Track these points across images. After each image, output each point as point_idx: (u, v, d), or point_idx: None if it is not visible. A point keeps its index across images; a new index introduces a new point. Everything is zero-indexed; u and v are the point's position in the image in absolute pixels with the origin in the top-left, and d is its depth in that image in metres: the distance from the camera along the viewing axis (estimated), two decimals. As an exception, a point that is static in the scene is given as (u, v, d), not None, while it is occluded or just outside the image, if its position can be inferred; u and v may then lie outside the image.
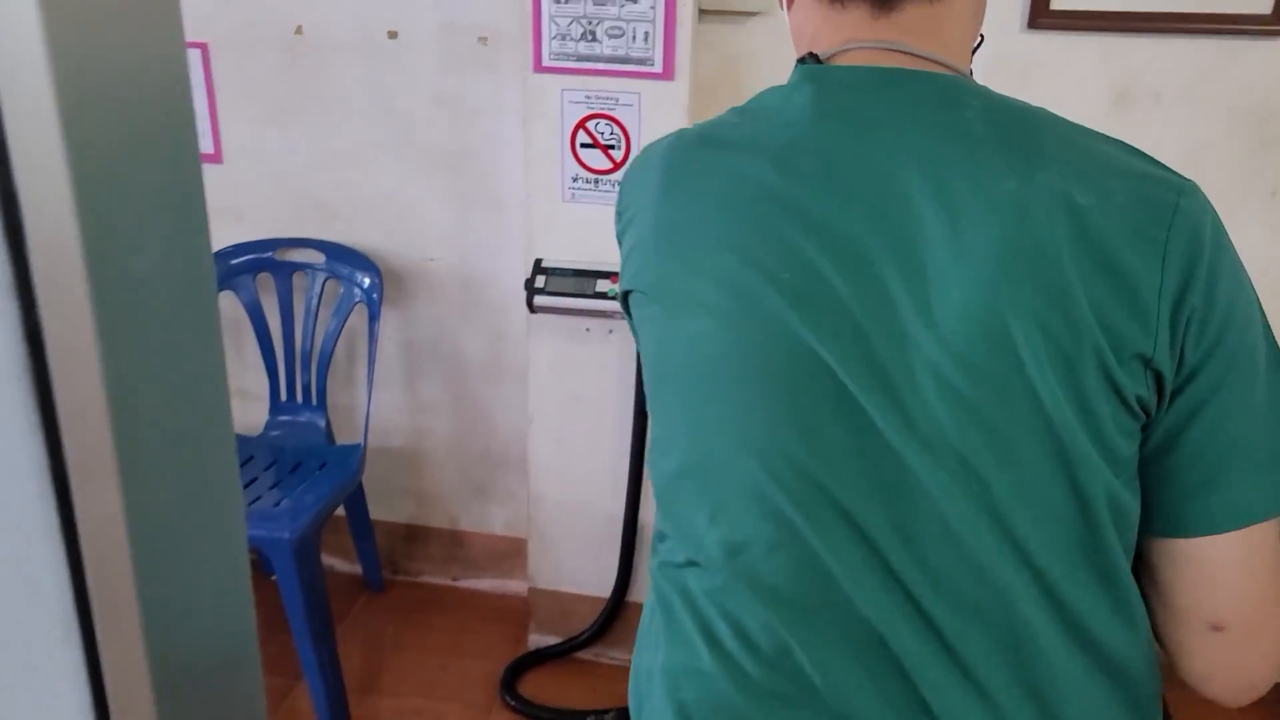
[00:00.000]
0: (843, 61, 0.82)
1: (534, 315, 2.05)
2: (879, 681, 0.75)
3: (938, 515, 0.72)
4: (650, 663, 0.87)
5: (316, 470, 2.21)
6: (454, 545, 2.57)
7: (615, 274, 1.95)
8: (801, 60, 0.85)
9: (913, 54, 0.79)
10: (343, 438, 2.40)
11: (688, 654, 0.82)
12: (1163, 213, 0.72)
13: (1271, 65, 1.86)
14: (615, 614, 2.28)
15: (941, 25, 0.80)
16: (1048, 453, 0.71)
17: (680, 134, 0.91)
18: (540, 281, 1.97)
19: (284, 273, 2.30)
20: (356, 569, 2.58)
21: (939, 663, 0.73)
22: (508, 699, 2.20)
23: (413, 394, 2.44)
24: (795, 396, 0.75)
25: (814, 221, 0.75)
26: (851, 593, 0.74)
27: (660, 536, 0.90)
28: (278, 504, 2.08)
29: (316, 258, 2.29)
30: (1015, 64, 1.92)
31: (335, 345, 2.30)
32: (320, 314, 2.31)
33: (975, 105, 0.76)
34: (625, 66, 1.85)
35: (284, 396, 2.36)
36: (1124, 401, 0.72)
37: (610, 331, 2.05)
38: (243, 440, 2.34)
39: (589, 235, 1.98)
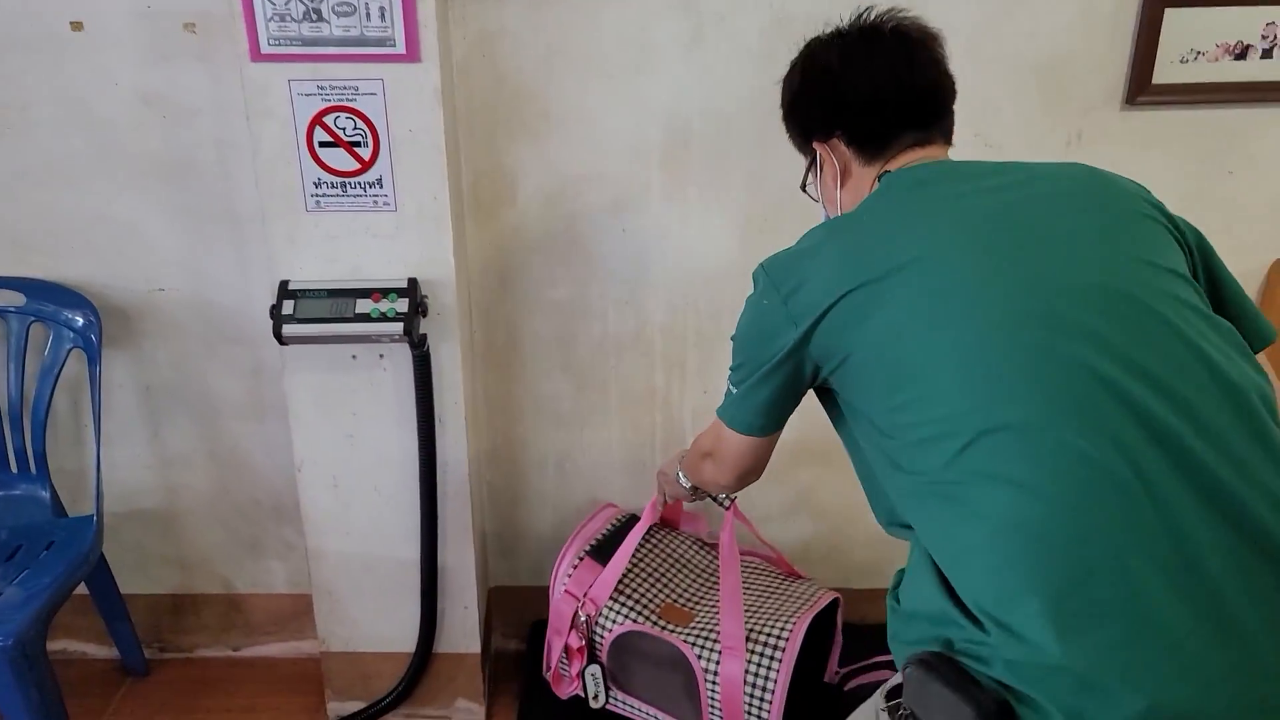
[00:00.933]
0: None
1: (286, 347, 1.76)
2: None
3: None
4: None
5: (42, 551, 1.85)
6: (230, 611, 2.23)
7: (378, 291, 1.70)
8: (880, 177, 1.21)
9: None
10: (76, 509, 2.03)
11: None
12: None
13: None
14: (422, 668, 2.02)
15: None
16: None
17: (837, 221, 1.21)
18: (288, 307, 1.68)
19: (-27, 320, 1.91)
20: (113, 653, 2.20)
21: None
22: (305, 786, 1.92)
23: (159, 446, 2.09)
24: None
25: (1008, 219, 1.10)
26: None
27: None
28: (-11, 603, 1.71)
29: (15, 299, 1.91)
30: None
31: (51, 399, 1.93)
32: (28, 365, 1.93)
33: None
34: (361, 50, 1.58)
35: (-6, 467, 1.98)
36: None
37: (381, 356, 1.79)
38: (-57, 526, 1.94)
39: (340, 249, 1.70)
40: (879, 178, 1.20)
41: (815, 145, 1.28)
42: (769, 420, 1.27)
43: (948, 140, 1.26)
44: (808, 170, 1.34)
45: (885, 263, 1.06)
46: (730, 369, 1.26)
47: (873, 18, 1.25)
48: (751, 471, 1.39)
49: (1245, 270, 1.93)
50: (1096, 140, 1.84)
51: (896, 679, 1.11)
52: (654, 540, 2.05)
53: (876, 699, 1.14)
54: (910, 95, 1.21)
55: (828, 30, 1.27)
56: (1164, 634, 0.92)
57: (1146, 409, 0.97)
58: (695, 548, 2.07)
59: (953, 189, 1.13)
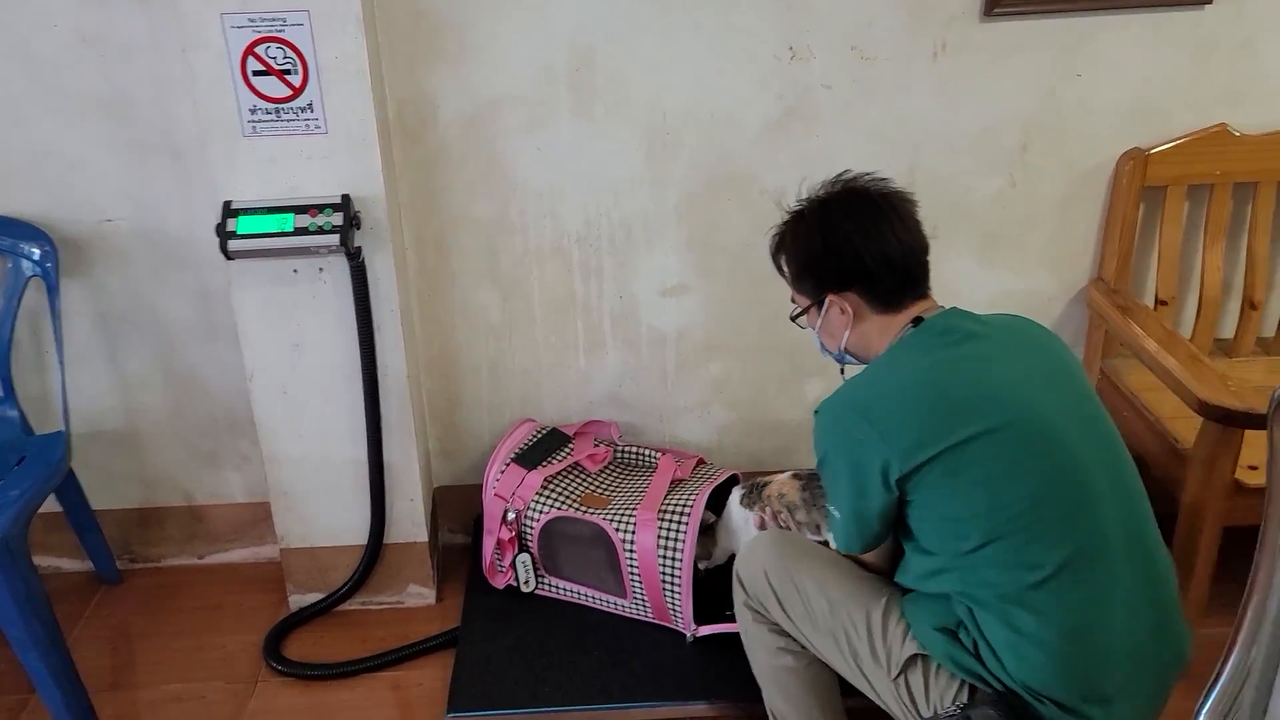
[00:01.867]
0: (929, 317, 1.51)
1: (234, 263, 1.92)
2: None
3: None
4: None
5: (14, 466, 2.00)
6: (193, 522, 2.41)
7: (314, 207, 1.86)
8: (916, 321, 1.50)
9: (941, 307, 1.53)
10: (43, 429, 2.18)
11: None
12: None
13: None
14: (375, 558, 2.22)
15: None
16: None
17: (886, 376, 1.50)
18: (232, 225, 1.84)
19: (-65, 254, 2.04)
20: (87, 565, 2.37)
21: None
22: (273, 664, 2.11)
23: (117, 370, 2.24)
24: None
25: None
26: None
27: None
28: (-30, 509, 1.87)
29: (-28, 233, 2.04)
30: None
31: (13, 327, 2.07)
32: (-11, 295, 2.07)
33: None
34: (286, -16, 1.73)
35: (-38, 392, 2.12)
36: None
37: (320, 270, 1.96)
38: (-81, 447, 2.08)
39: (277, 171, 1.86)
40: (913, 323, 1.49)
41: (829, 296, 1.52)
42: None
43: None
44: (807, 310, 1.58)
45: (971, 426, 1.35)
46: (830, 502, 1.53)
47: (862, 184, 1.54)
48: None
49: (1096, 164, 2.15)
50: (960, 50, 2.04)
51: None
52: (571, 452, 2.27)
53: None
54: (915, 256, 1.51)
55: (818, 193, 1.55)
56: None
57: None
58: (607, 452, 2.27)
59: (987, 349, 1.46)
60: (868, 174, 1.55)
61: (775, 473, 1.94)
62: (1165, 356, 1.94)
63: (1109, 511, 1.39)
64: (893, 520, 1.46)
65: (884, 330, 1.52)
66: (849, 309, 1.52)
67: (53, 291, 2.03)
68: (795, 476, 2.04)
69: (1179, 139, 2.12)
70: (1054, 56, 2.06)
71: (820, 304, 1.54)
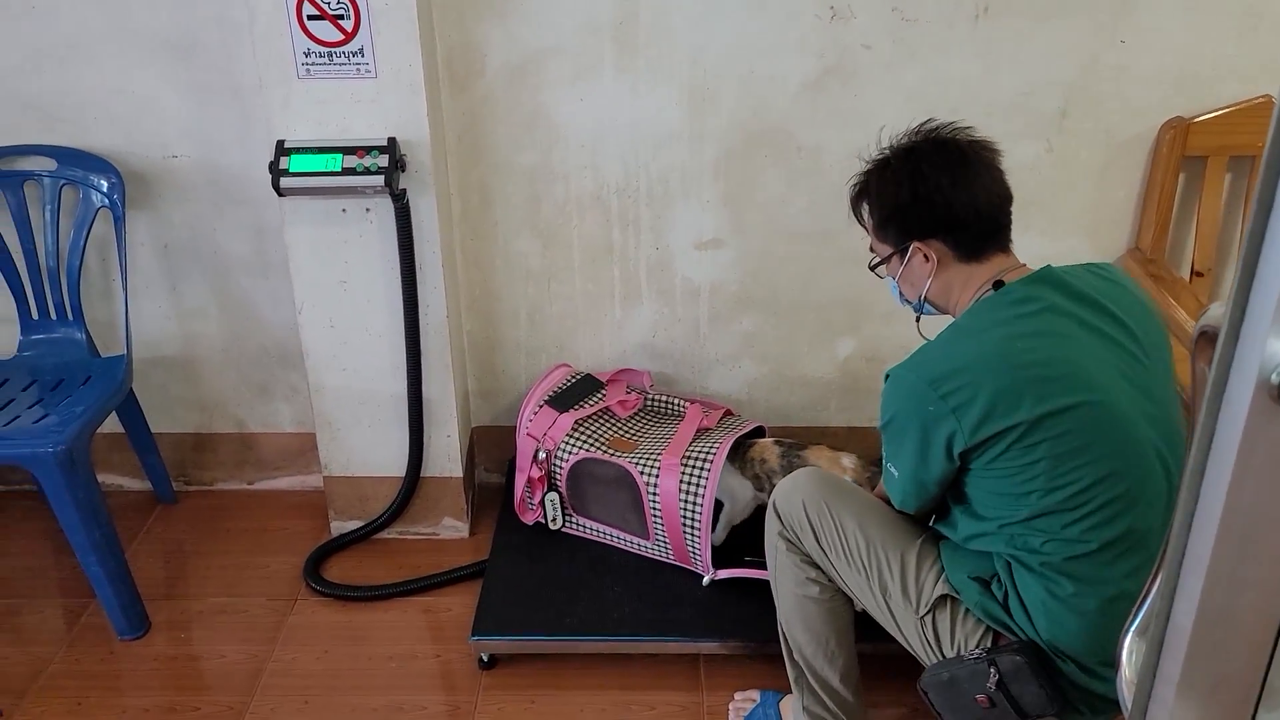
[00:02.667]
0: (1011, 279, 1.49)
1: (287, 201, 2.02)
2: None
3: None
4: None
5: (81, 384, 2.14)
6: (244, 449, 2.54)
7: (362, 148, 1.95)
8: (996, 284, 1.49)
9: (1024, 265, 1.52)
10: (107, 352, 2.31)
11: None
12: None
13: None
14: (412, 490, 2.32)
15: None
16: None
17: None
18: (285, 163, 1.94)
19: (13, 183, 2.17)
20: (146, 485, 2.52)
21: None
22: (312, 584, 2.23)
23: (177, 299, 2.36)
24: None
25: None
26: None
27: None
28: (39, 420, 2.01)
29: (47, 164, 2.17)
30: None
31: (84, 255, 2.20)
32: (61, 224, 2.20)
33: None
34: (341, -68, 1.80)
35: (35, 314, 2.26)
36: None
37: (368, 210, 2.05)
38: (-6, 364, 2.23)
39: (329, 113, 1.95)
40: (994, 285, 1.48)
41: (913, 244, 1.52)
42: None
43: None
44: (888, 258, 1.58)
45: (1041, 407, 1.36)
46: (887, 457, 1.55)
47: (948, 134, 1.53)
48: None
49: (1136, 132, 2.15)
50: (1002, 13, 2.05)
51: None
52: (603, 398, 2.34)
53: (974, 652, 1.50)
54: (1003, 206, 1.51)
55: (903, 141, 1.54)
56: None
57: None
58: (637, 400, 2.35)
59: (1065, 324, 1.44)
60: (951, 123, 1.54)
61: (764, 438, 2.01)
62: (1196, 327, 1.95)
63: (1162, 498, 1.40)
64: (948, 485, 1.50)
65: (967, 281, 1.52)
66: (933, 257, 1.51)
67: (119, 222, 2.15)
68: (777, 443, 2.12)
69: (1222, 109, 2.10)
70: (1098, 22, 2.06)
71: (903, 252, 1.54)
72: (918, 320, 1.62)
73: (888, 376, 1.50)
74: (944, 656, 1.54)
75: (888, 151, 1.56)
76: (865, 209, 1.60)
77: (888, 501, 1.63)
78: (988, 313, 1.47)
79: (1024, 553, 1.43)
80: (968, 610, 1.52)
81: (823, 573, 1.67)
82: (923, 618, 1.55)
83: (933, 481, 1.48)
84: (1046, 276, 1.48)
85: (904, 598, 1.56)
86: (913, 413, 1.45)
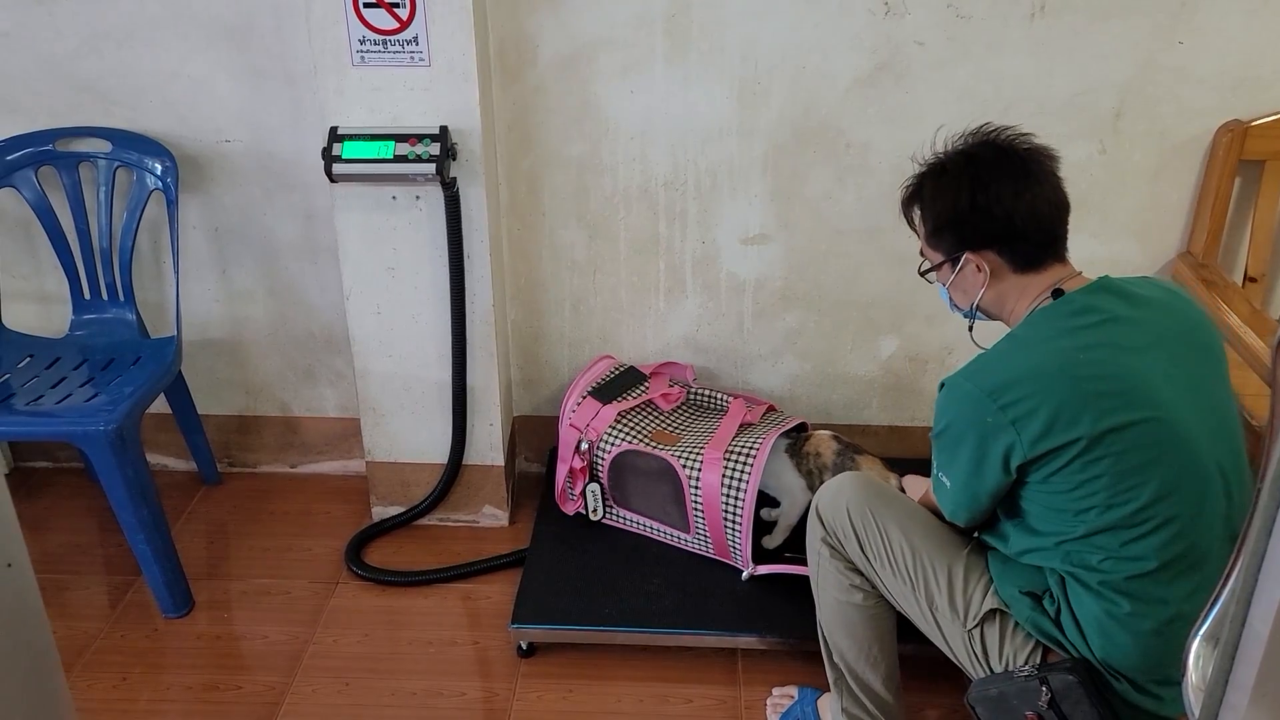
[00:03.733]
0: (1070, 287, 1.45)
1: (338, 187, 2.03)
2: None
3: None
4: None
5: (131, 365, 2.17)
6: (288, 432, 2.56)
7: (414, 137, 1.96)
8: (1056, 293, 1.45)
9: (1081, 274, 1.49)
10: (157, 333, 2.34)
11: None
12: None
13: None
14: (454, 477, 2.34)
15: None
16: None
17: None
18: (338, 149, 1.95)
19: (68, 164, 2.20)
20: (191, 465, 2.55)
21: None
22: (353, 568, 2.25)
23: (226, 282, 2.39)
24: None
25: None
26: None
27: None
28: (90, 399, 2.04)
29: (102, 146, 2.20)
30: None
31: (136, 237, 2.23)
32: (115, 206, 2.23)
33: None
34: (399, -80, 1.81)
35: (88, 295, 2.29)
36: None
37: (417, 198, 2.06)
38: (47, 343, 2.27)
39: (382, 100, 1.97)
40: (1053, 295, 1.44)
41: (966, 254, 1.48)
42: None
43: None
44: (939, 266, 1.54)
45: (1103, 422, 1.32)
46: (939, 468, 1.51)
47: (1007, 139, 1.48)
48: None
49: (1192, 134, 2.12)
50: (1058, 11, 2.03)
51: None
52: (647, 391, 2.34)
53: (1024, 671, 1.47)
54: (1062, 215, 1.47)
55: (959, 146, 1.49)
56: None
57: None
58: (680, 393, 2.35)
59: (1128, 335, 1.40)
60: (1009, 127, 1.49)
61: (823, 428, 1.99)
62: (1248, 333, 1.93)
63: (1222, 516, 1.38)
64: (1001, 498, 1.46)
65: (1023, 292, 1.48)
66: (986, 268, 1.47)
67: (172, 205, 2.18)
68: (835, 439, 2.10)
69: (1281, 112, 2.08)
70: (1156, 22, 2.03)
71: (955, 261, 1.50)
72: (970, 328, 1.58)
73: (942, 385, 1.46)
74: (991, 670, 1.51)
75: (944, 156, 1.51)
76: (917, 214, 1.55)
77: (932, 510, 1.62)
78: (1047, 323, 1.43)
79: (1081, 570, 1.40)
80: (1017, 625, 1.49)
81: (866, 580, 1.65)
82: (970, 631, 1.52)
83: (986, 494, 1.45)
84: (1107, 285, 1.45)
85: (951, 610, 1.54)
86: (970, 423, 1.41)
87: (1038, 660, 1.47)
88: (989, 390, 1.38)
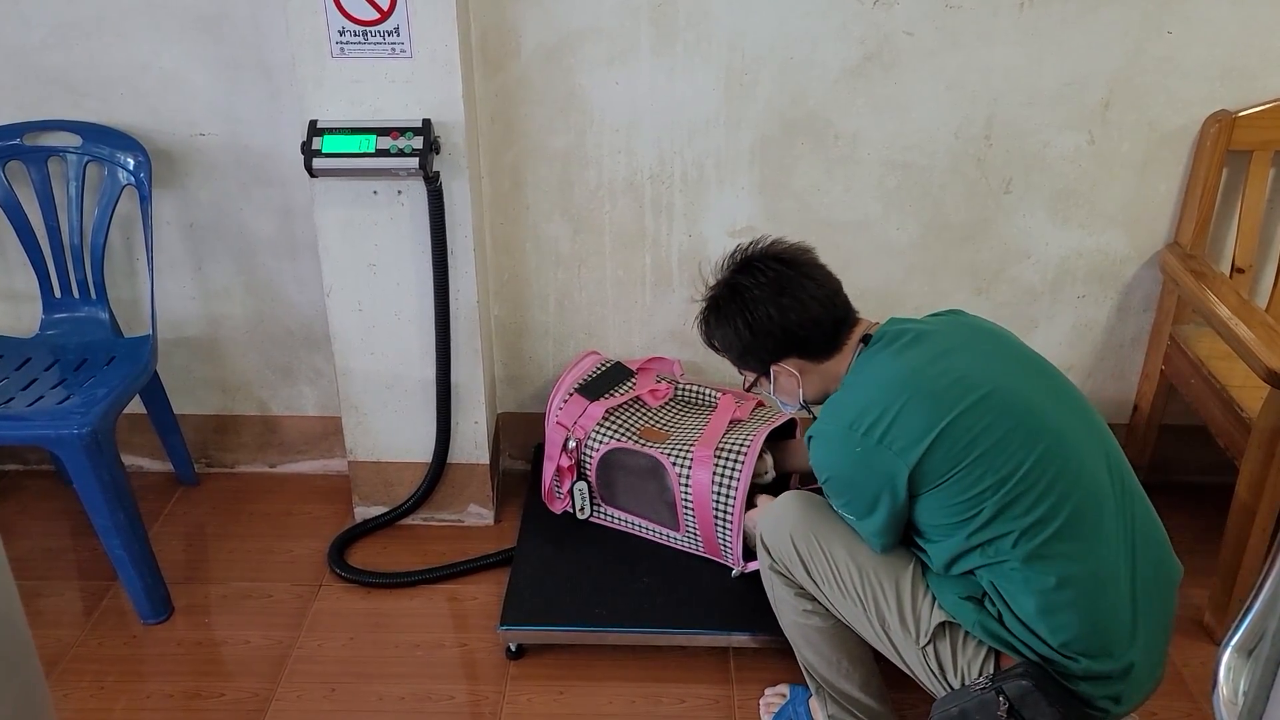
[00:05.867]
0: (873, 331, 1.60)
1: (318, 182, 1.98)
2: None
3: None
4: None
5: (105, 365, 2.11)
6: (267, 431, 2.51)
7: (396, 130, 1.91)
8: (865, 339, 1.59)
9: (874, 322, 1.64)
10: (131, 332, 2.28)
11: None
12: None
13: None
14: (438, 476, 2.30)
15: None
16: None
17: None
18: (317, 143, 1.90)
19: (37, 159, 2.14)
20: (168, 466, 2.50)
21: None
22: (336, 570, 2.21)
23: (202, 279, 2.33)
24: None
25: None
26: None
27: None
28: (63, 401, 1.98)
29: (72, 140, 2.13)
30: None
31: (108, 233, 2.17)
32: (86, 201, 2.17)
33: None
34: (380, -93, 1.76)
35: (58, 293, 2.23)
36: None
37: (399, 193, 2.01)
38: (16, 343, 2.20)
39: (363, 92, 1.92)
40: (863, 340, 1.59)
41: (773, 366, 1.63)
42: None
43: None
44: (756, 381, 1.72)
45: (957, 406, 1.43)
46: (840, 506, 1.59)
47: (758, 256, 1.61)
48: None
49: (1180, 124, 2.12)
50: (1048, 1, 2.01)
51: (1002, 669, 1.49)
52: (633, 386, 2.31)
53: (979, 681, 1.49)
54: (835, 302, 1.60)
55: (724, 277, 1.63)
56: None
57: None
58: (668, 389, 2.32)
59: (944, 342, 1.55)
60: (759, 241, 1.63)
61: None
62: (1237, 324, 1.92)
63: (1098, 462, 1.47)
64: (906, 517, 1.51)
65: (835, 370, 1.61)
66: (794, 371, 1.62)
67: (145, 200, 2.12)
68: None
69: (1269, 103, 2.07)
70: (1145, 12, 2.02)
71: (767, 375, 1.65)
72: (809, 411, 1.70)
73: (810, 438, 1.55)
74: (950, 686, 1.52)
75: (714, 290, 1.65)
76: (719, 348, 1.69)
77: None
78: (872, 359, 1.56)
79: (1001, 561, 1.43)
80: (968, 634, 1.50)
81: (820, 604, 1.65)
82: (924, 648, 1.52)
83: (890, 517, 1.50)
84: (899, 319, 1.61)
85: (903, 628, 1.54)
86: (846, 461, 1.50)
87: (991, 669, 1.48)
88: (847, 425, 1.48)
